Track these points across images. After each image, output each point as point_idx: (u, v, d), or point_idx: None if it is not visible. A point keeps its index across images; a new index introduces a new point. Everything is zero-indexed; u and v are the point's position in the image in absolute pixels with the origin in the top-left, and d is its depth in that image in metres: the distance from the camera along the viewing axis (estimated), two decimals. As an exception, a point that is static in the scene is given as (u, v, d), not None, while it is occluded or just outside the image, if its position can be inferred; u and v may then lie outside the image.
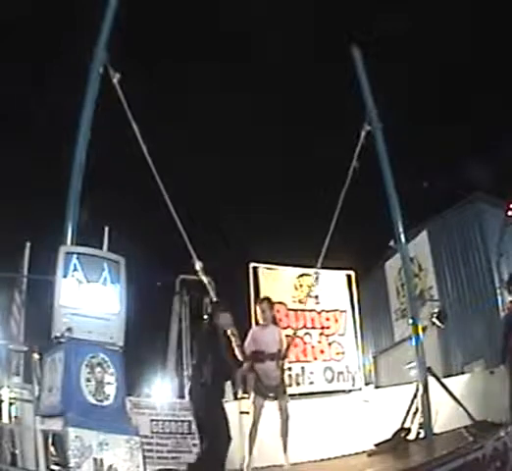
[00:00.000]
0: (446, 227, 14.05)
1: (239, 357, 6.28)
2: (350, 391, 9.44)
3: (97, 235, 8.14)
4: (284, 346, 6.78)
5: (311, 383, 9.38)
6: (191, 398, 5.80)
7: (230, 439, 5.47)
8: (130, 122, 6.63)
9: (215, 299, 6.62)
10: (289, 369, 9.25)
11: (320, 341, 9.66)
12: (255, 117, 17.46)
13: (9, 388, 6.73)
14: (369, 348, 14.45)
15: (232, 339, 6.40)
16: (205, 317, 6.25)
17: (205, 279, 6.71)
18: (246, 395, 6.85)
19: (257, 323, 6.76)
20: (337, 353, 9.67)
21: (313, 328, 9.70)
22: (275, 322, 6.79)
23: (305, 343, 9.57)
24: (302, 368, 9.42)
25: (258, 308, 6.88)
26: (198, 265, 6.67)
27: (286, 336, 8.99)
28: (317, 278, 8.00)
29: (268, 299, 7.01)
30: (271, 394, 6.43)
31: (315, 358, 9.54)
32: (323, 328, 9.77)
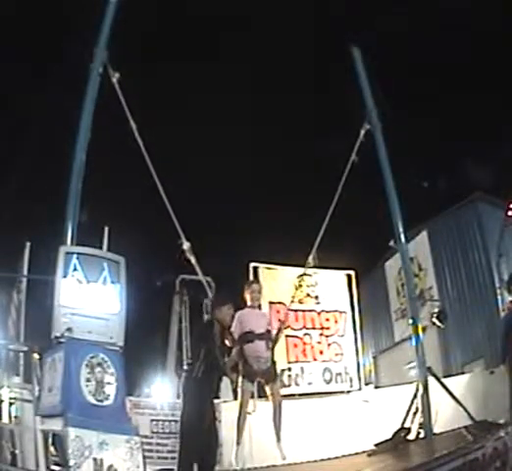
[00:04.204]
0: (446, 227, 14.06)
1: (228, 343, 6.05)
2: (348, 392, 9.44)
3: (97, 235, 8.15)
4: (275, 331, 6.54)
5: (309, 383, 9.38)
6: (183, 391, 5.69)
7: (216, 438, 5.40)
8: (130, 121, 6.63)
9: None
10: (289, 369, 9.25)
11: (320, 342, 9.65)
12: (255, 117, 17.47)
13: (9, 388, 6.73)
14: (369, 348, 14.45)
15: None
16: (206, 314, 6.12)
17: (193, 259, 6.60)
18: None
19: (244, 305, 6.60)
20: (336, 354, 9.66)
21: (313, 328, 9.69)
22: (259, 307, 6.65)
23: (305, 344, 9.56)
24: (301, 368, 9.41)
25: (249, 289, 6.59)
26: (186, 245, 6.59)
27: (287, 335, 9.03)
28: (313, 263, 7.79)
29: (257, 282, 7.21)
30: (260, 379, 6.14)
31: (314, 359, 9.53)
32: (322, 328, 9.76)
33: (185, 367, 5.69)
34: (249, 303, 6.44)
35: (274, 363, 6.27)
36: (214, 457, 5.44)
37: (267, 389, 6.19)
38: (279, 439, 6.05)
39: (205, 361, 5.40)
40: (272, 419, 6.11)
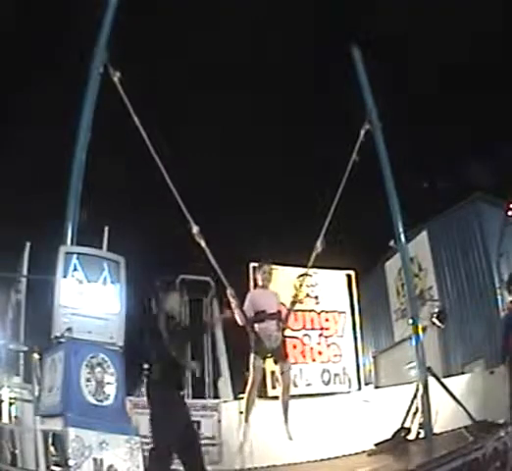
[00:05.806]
0: (446, 227, 14.05)
1: (239, 322, 6.14)
2: (348, 392, 9.44)
3: (97, 235, 8.15)
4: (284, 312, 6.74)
5: (308, 384, 9.38)
6: (146, 395, 4.95)
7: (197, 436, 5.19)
8: (134, 120, 6.59)
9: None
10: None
11: (319, 343, 9.66)
12: (255, 117, 17.46)
13: (9, 388, 6.74)
14: (369, 348, 14.44)
15: (232, 301, 6.23)
16: (149, 299, 5.33)
17: (203, 243, 6.54)
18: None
19: (255, 286, 6.72)
20: (335, 355, 9.67)
21: (312, 329, 9.70)
22: None
23: (304, 345, 9.56)
24: (300, 370, 9.40)
25: (260, 270, 6.80)
26: (195, 229, 6.55)
27: (285, 336, 9.02)
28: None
29: (268, 263, 7.21)
30: (271, 356, 6.26)
31: (313, 360, 9.54)
32: (322, 329, 9.76)
33: (145, 371, 4.98)
34: (260, 284, 6.65)
35: (284, 344, 6.44)
36: (199, 454, 4.81)
37: (277, 367, 6.38)
38: (286, 420, 6.11)
39: (160, 361, 4.79)
40: (280, 399, 6.22)
